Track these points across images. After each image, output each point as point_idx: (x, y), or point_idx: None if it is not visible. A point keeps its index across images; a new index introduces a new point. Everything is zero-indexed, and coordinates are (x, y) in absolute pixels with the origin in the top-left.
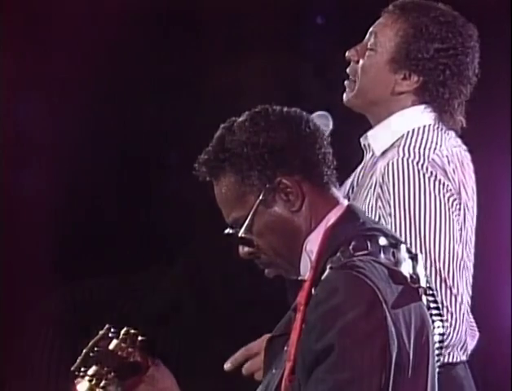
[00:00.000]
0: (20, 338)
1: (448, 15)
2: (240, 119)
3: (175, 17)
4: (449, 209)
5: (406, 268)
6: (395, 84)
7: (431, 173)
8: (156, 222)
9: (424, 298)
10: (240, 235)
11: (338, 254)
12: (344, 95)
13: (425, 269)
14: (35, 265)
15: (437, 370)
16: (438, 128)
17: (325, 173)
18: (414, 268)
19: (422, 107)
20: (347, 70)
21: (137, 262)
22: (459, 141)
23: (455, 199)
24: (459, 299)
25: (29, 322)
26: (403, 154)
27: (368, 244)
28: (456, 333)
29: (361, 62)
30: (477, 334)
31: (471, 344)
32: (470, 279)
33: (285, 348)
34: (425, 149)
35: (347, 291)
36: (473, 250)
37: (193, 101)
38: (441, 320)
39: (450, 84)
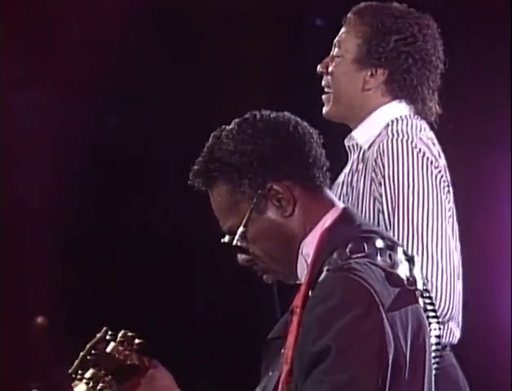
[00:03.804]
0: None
1: (402, 9)
2: (229, 127)
3: (177, 17)
4: (437, 187)
5: (403, 270)
6: (364, 82)
7: (420, 149)
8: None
9: (421, 300)
10: (234, 243)
11: (335, 256)
12: (323, 109)
13: (412, 246)
14: (34, 264)
15: (434, 372)
16: (417, 118)
17: (317, 175)
18: (411, 270)
19: (397, 101)
20: (322, 83)
21: (137, 262)
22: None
23: (442, 178)
24: (445, 276)
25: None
26: (392, 135)
27: (365, 246)
28: (441, 309)
29: (330, 70)
30: (460, 325)
31: (457, 331)
32: (459, 264)
33: (282, 350)
34: (412, 129)
35: (344, 293)
36: (457, 235)
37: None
38: (438, 322)
39: (415, 71)
